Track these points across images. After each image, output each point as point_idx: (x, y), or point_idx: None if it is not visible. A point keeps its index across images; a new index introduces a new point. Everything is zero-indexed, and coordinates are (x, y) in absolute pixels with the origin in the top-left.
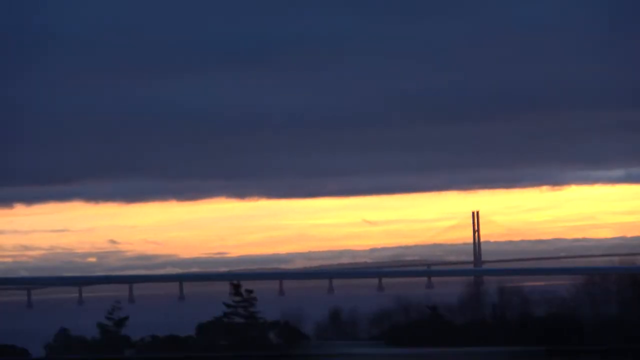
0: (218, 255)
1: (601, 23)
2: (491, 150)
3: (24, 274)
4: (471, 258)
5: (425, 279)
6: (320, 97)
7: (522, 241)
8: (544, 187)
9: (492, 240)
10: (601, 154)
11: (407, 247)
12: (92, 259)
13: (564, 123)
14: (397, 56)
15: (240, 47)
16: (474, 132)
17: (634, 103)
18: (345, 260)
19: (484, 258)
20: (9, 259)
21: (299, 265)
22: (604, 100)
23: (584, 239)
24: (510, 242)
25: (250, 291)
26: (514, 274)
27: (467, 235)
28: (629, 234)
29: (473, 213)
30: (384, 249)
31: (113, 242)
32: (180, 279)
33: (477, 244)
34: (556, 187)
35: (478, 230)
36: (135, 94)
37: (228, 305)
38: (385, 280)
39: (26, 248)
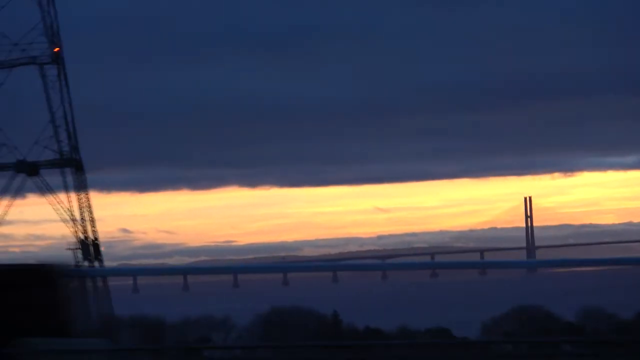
0: (226, 244)
1: (618, 12)
2: (504, 138)
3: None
4: (478, 245)
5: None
6: (332, 87)
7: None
8: (556, 174)
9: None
10: (615, 141)
11: (413, 234)
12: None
13: (578, 110)
14: (411, 46)
15: (253, 37)
16: (487, 120)
17: None
18: (352, 247)
19: (494, 244)
20: (17, 249)
21: (306, 253)
22: (618, 87)
23: (590, 225)
24: (517, 228)
25: None
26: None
27: (473, 222)
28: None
29: (525, 198)
30: (390, 236)
31: (125, 230)
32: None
33: (530, 229)
34: (568, 174)
35: (531, 216)
36: (148, 85)
37: None
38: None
39: (37, 238)
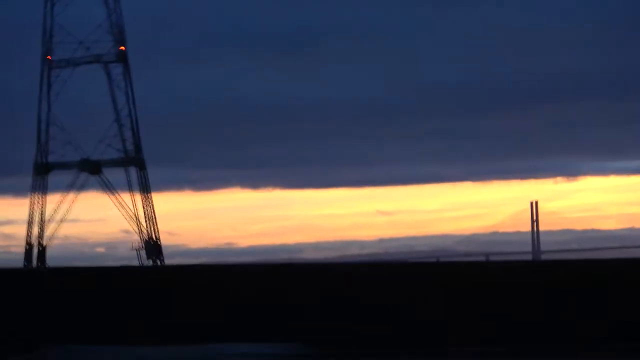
0: (227, 246)
1: (623, 16)
2: (507, 142)
3: (34, 263)
4: (480, 249)
5: None
6: (336, 88)
7: (529, 232)
8: (559, 178)
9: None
10: (618, 146)
11: (415, 238)
12: (101, 249)
13: (581, 114)
14: (411, 48)
15: (254, 37)
16: (491, 124)
17: None
18: (354, 250)
19: (498, 249)
20: (19, 249)
21: (307, 255)
22: (623, 91)
23: (592, 230)
24: (518, 232)
25: None
26: None
27: (475, 226)
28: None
29: (532, 203)
30: (391, 239)
31: (127, 231)
32: None
33: (536, 234)
34: (571, 178)
35: (537, 221)
36: (152, 85)
37: None
38: None
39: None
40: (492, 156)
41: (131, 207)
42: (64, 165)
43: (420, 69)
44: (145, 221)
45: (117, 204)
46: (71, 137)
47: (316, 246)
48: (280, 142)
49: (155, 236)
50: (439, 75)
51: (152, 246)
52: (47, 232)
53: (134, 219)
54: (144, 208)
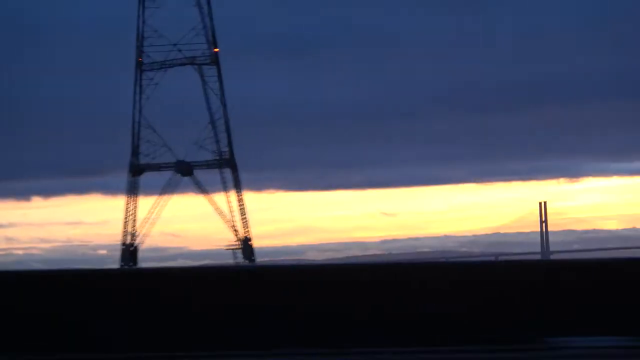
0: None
1: (627, 16)
2: (510, 143)
3: (35, 266)
4: (481, 250)
5: None
6: (338, 91)
7: (533, 232)
8: (562, 180)
9: (506, 232)
10: (621, 147)
11: (417, 239)
12: (103, 252)
13: (585, 115)
14: (412, 50)
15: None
16: (493, 125)
17: None
18: (356, 252)
19: (501, 250)
20: (20, 252)
21: (310, 257)
22: (626, 93)
23: (594, 230)
24: (520, 233)
25: None
26: None
27: (478, 227)
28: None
29: (540, 203)
30: (394, 240)
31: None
32: None
33: (545, 235)
34: (573, 179)
35: (546, 221)
36: (153, 88)
37: None
38: None
39: (42, 240)
40: (494, 157)
41: (223, 208)
42: (157, 167)
43: (423, 71)
44: (241, 221)
45: (211, 205)
46: (163, 139)
47: (319, 248)
48: (283, 144)
49: (248, 236)
50: (441, 77)
51: (248, 246)
52: (140, 232)
53: (228, 219)
54: (239, 208)
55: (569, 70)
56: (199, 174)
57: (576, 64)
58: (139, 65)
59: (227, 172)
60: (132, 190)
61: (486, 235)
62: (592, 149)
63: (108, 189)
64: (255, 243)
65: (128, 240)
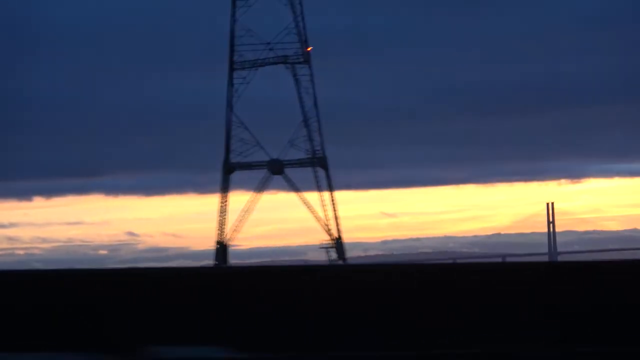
0: (230, 248)
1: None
2: (511, 144)
3: (36, 265)
4: (481, 251)
5: None
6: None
7: (533, 233)
8: (563, 180)
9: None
10: (623, 148)
11: (418, 240)
12: (104, 252)
13: (585, 117)
14: (419, 51)
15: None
16: (494, 126)
17: None
18: (357, 252)
19: (502, 251)
20: (21, 252)
21: (311, 257)
22: (628, 94)
23: (594, 231)
24: (522, 234)
25: None
26: None
27: (478, 227)
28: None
29: (547, 204)
30: (394, 240)
31: (131, 234)
32: None
33: (552, 235)
34: (575, 180)
35: (553, 222)
36: (155, 91)
37: None
38: None
39: (43, 240)
40: (495, 158)
41: (313, 206)
42: (250, 165)
43: (425, 73)
44: (333, 220)
45: (302, 203)
46: (255, 137)
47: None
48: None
49: (339, 235)
50: (443, 78)
51: (340, 245)
52: (231, 230)
53: (321, 218)
54: (332, 207)
55: (572, 72)
56: (288, 172)
57: (579, 66)
58: (232, 65)
59: (319, 171)
60: (225, 189)
61: (487, 236)
62: (593, 150)
63: (109, 190)
64: (253, 243)
65: (222, 239)
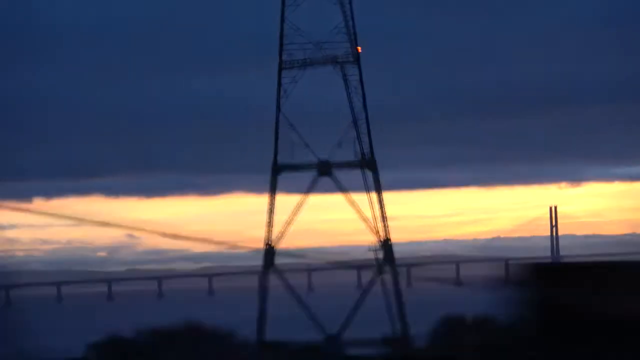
0: (229, 250)
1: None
2: (512, 148)
3: (36, 267)
4: (482, 254)
5: None
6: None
7: (534, 237)
8: (563, 184)
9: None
10: (623, 151)
11: (419, 243)
12: (103, 253)
13: (586, 119)
14: (420, 53)
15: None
16: (497, 130)
17: None
18: (357, 255)
19: (502, 254)
20: (21, 253)
21: (309, 261)
22: (628, 97)
23: (594, 235)
24: (523, 238)
25: None
26: None
27: (478, 231)
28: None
29: (551, 208)
30: (395, 244)
31: (131, 236)
32: None
33: (555, 239)
34: (575, 184)
35: (556, 226)
36: (158, 92)
37: None
38: None
39: (44, 242)
40: (496, 162)
41: (363, 209)
42: (298, 167)
43: (427, 75)
44: (382, 222)
45: (351, 206)
46: (304, 138)
47: (318, 251)
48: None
49: (387, 237)
50: (444, 81)
51: (388, 247)
52: (278, 232)
53: (370, 220)
54: (380, 209)
55: (572, 75)
56: (337, 174)
57: (579, 68)
58: (280, 64)
59: (367, 173)
60: (273, 190)
61: (487, 240)
62: (594, 153)
63: (109, 190)
64: (253, 246)
65: (270, 241)
